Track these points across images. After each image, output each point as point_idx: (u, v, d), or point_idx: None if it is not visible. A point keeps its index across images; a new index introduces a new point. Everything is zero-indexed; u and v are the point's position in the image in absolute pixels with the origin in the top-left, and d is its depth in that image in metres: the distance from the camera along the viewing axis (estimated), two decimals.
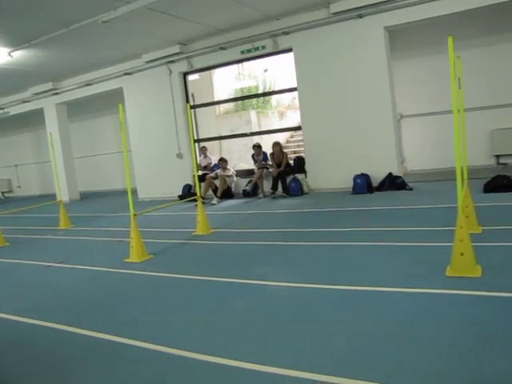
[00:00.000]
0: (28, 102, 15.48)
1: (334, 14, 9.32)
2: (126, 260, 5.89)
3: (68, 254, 6.83)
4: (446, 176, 9.23)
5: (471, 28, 10.06)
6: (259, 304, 3.87)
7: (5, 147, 20.88)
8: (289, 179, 10.49)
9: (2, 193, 20.64)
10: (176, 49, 11.33)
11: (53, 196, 9.71)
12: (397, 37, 10.08)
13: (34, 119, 17.49)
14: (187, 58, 11.62)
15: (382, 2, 8.84)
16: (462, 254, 3.88)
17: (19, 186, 20.97)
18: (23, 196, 20.26)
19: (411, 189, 9.13)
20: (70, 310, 4.29)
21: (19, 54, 10.33)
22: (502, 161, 10.73)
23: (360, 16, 9.30)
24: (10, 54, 10.09)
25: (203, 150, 11.91)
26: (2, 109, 16.38)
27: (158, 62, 11.97)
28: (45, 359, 3.26)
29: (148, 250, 6.07)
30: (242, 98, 14.80)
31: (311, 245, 5.71)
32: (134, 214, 5.99)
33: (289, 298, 3.94)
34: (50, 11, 7.99)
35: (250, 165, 11.70)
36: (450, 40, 3.90)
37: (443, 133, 10.22)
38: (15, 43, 9.59)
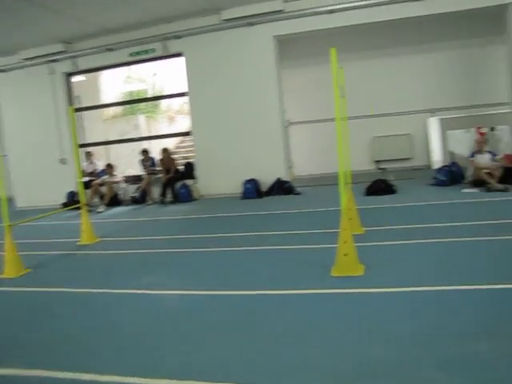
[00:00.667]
0: None
1: (224, 20, 9.41)
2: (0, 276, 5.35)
3: None
4: (332, 181, 9.59)
5: (354, 41, 10.74)
6: (146, 314, 3.70)
7: None
8: (178, 185, 10.33)
9: None
10: (59, 47, 10.68)
11: None
12: (286, 46, 10.44)
13: None
14: (72, 57, 10.99)
15: (271, 12, 9.13)
16: (345, 255, 4.06)
17: None
18: None
19: (299, 193, 9.46)
20: None
21: None
22: (381, 166, 11.56)
23: (250, 24, 9.49)
24: None
25: (89, 156, 11.30)
26: None
27: (38, 61, 11.17)
28: None
29: (26, 264, 5.54)
30: (131, 102, 14.37)
31: (201, 251, 5.63)
32: (9, 225, 5.47)
33: (177, 306, 3.83)
34: None
35: (138, 171, 11.34)
36: (332, 51, 4.07)
37: (329, 139, 10.63)
38: None
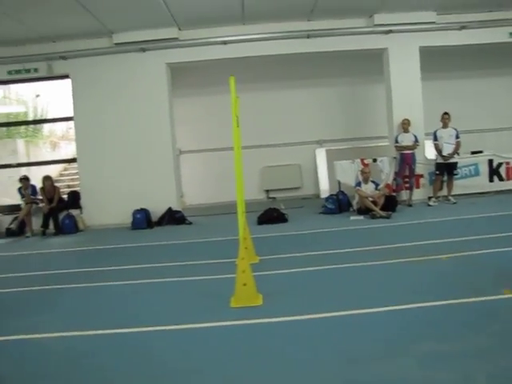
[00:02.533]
0: None
1: (116, 44, 9.11)
2: None
3: None
4: (223, 210, 9.67)
5: (249, 73, 10.97)
6: (30, 362, 3.25)
7: None
8: (62, 215, 9.61)
9: None
10: None
11: None
12: (179, 74, 10.37)
13: None
14: None
15: (164, 39, 9.02)
16: (244, 285, 3.97)
17: None
18: None
19: (190, 223, 9.28)
20: None
21: None
22: (271, 195, 11.81)
23: (143, 50, 9.30)
24: None
25: None
26: None
27: None
28: None
29: None
30: (7, 125, 13.24)
31: (88, 286, 5.17)
32: None
33: (63, 351, 3.41)
34: None
35: (15, 200, 10.36)
36: (231, 80, 4.05)
37: (220, 168, 10.77)
38: None
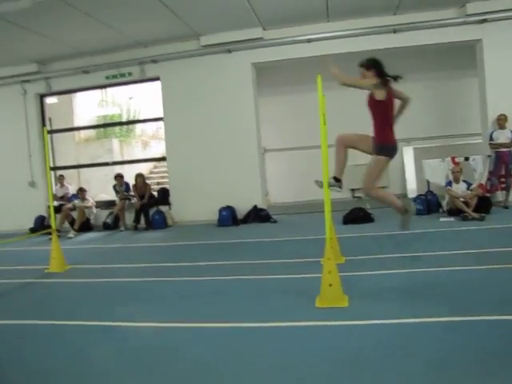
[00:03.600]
0: None
1: (203, 46, 9.38)
2: None
3: None
4: (308, 209, 9.64)
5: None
6: (117, 349, 3.45)
7: None
8: (152, 211, 10.08)
9: None
10: (33, 67, 10.41)
11: None
12: (264, 73, 10.47)
13: None
14: (45, 78, 10.75)
15: (249, 40, 9.14)
16: (330, 285, 3.93)
17: None
18: None
19: (275, 221, 9.34)
20: None
21: None
22: (356, 194, 11.58)
23: (229, 51, 9.50)
24: None
25: (60, 179, 10.96)
26: None
27: (10, 80, 10.85)
28: None
29: None
30: (104, 126, 14.13)
31: (178, 280, 5.40)
32: None
33: (151, 340, 3.59)
34: None
35: (111, 196, 11.05)
36: (318, 78, 4.03)
37: (304, 167, 10.72)
38: None
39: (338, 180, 5.18)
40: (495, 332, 3.15)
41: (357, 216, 8.33)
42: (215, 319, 3.88)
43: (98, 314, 4.33)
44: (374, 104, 4.75)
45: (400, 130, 11.01)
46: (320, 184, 3.45)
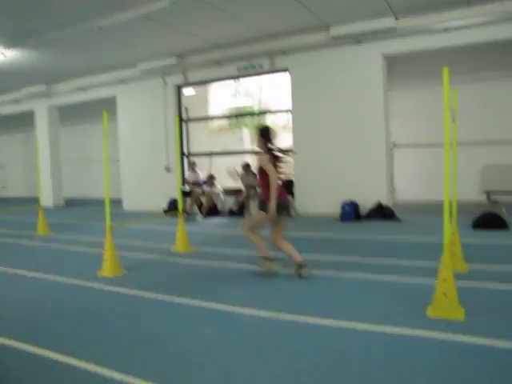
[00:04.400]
0: (19, 102, 15.26)
1: (333, 37, 9.22)
2: (98, 273, 5.62)
3: (39, 263, 6.56)
4: (435, 209, 9.05)
5: (468, 63, 10.06)
6: (226, 332, 3.62)
7: None
8: None
9: None
10: (172, 60, 11.16)
11: (38, 199, 9.56)
12: (395, 65, 10.01)
13: (25, 120, 17.27)
14: (183, 70, 11.50)
15: (381, 30, 8.75)
16: (444, 295, 3.68)
17: (4, 187, 20.62)
18: (8, 197, 19.90)
19: (400, 220, 8.95)
20: (28, 323, 4.04)
21: (13, 54, 10.16)
22: (492, 197, 10.63)
23: (359, 41, 9.24)
24: (3, 53, 9.92)
25: (192, 166, 11.68)
26: None
27: (153, 73, 11.80)
28: None
29: (122, 264, 5.81)
30: (237, 116, 14.63)
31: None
32: (110, 226, 5.75)
33: (262, 329, 3.69)
34: (47, 12, 7.86)
35: (238, 184, 11.49)
36: (445, 71, 3.75)
37: (436, 165, 10.07)
38: (9, 42, 9.42)
39: (267, 259, 5.41)
40: None
41: (489, 221, 7.64)
42: (309, 313, 3.91)
43: (211, 295, 4.60)
44: (260, 170, 5.24)
45: None
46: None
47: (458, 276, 4.00)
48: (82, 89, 13.42)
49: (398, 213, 9.20)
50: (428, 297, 3.83)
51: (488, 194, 10.70)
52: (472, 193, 10.55)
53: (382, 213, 9.19)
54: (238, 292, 4.73)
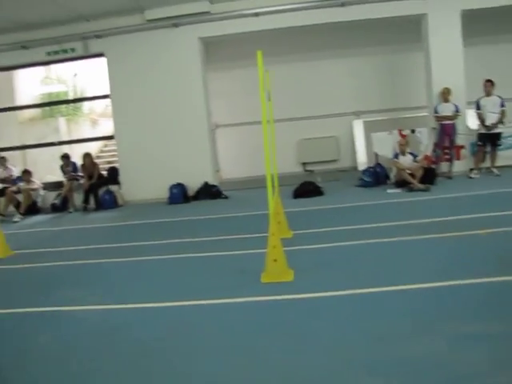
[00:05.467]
0: None
1: (148, 20, 9.10)
2: None
3: None
4: (259, 184, 9.54)
5: (282, 45, 10.80)
6: (67, 333, 3.39)
7: None
8: (102, 191, 9.87)
9: None
10: None
11: None
12: (213, 48, 10.32)
13: None
14: None
15: (196, 14, 8.93)
16: (275, 260, 3.97)
17: None
18: None
19: (226, 197, 9.35)
20: None
21: None
22: (308, 168, 11.71)
23: (175, 25, 9.25)
24: None
25: (2, 161, 10.50)
26: None
27: None
28: None
29: None
30: (50, 104, 13.57)
31: (126, 261, 5.32)
32: None
33: (100, 323, 3.54)
34: None
35: (58, 177, 10.72)
36: (259, 54, 3.99)
37: (256, 142, 10.60)
38: None
39: None
40: (432, 299, 3.29)
41: (307, 190, 8.42)
42: (162, 299, 3.88)
43: (37, 299, 4.21)
44: None
45: (350, 103, 11.40)
46: None
47: (285, 242, 4.34)
48: None
49: (224, 190, 9.57)
50: (261, 265, 4.09)
51: (304, 165, 11.75)
52: (291, 165, 11.50)
53: (209, 192, 9.48)
54: (72, 291, 4.43)
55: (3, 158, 10.50)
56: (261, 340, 2.94)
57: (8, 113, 12.07)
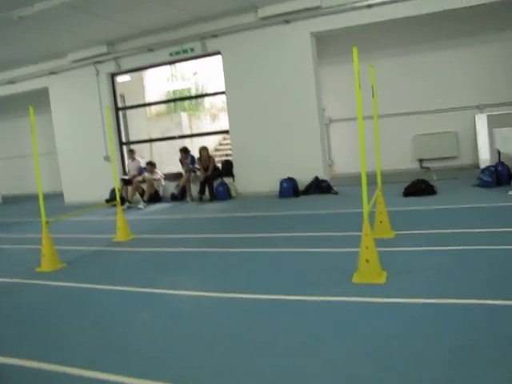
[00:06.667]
0: None
1: (261, 18, 9.34)
2: (37, 269, 5.57)
3: None
4: (372, 179, 9.43)
5: (396, 36, 10.41)
6: (165, 316, 3.73)
7: None
8: (216, 183, 10.40)
9: None
10: (103, 49, 10.98)
11: None
12: (326, 43, 10.25)
13: None
14: (115, 58, 11.28)
15: (308, 9, 8.96)
16: (367, 261, 3.94)
17: None
18: None
19: (336, 193, 9.28)
20: None
21: None
22: (424, 165, 11.17)
23: (287, 21, 9.37)
24: None
25: (130, 154, 11.55)
26: None
27: (84, 62, 11.53)
28: None
29: (62, 259, 5.78)
30: (172, 101, 14.55)
31: (230, 251, 5.60)
32: (47, 222, 5.69)
33: (194, 308, 3.83)
34: None
35: (178, 168, 11.51)
36: (354, 50, 3.96)
37: (369, 137, 10.43)
38: None
39: None
40: None
41: (418, 188, 8.07)
42: (253, 290, 4.05)
43: (148, 281, 4.68)
44: None
45: (472, 96, 10.62)
46: None
47: (385, 242, 4.26)
48: (11, 81, 12.90)
49: (335, 186, 9.53)
50: (355, 265, 4.07)
51: (420, 161, 11.23)
52: (407, 161, 11.07)
53: (319, 187, 9.47)
54: (178, 275, 4.84)
55: (132, 150, 11.53)
56: (341, 340, 2.95)
57: (138, 109, 13.22)
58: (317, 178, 9.60)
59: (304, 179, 9.68)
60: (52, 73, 12.20)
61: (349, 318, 3.30)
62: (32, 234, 8.18)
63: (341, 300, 3.62)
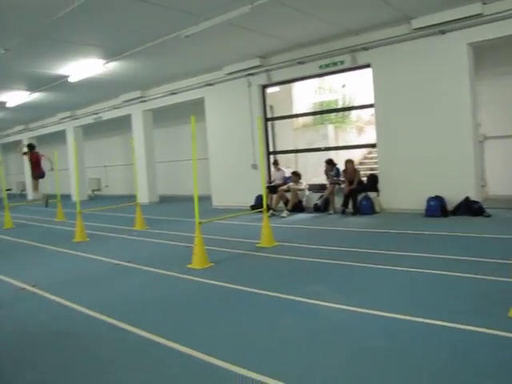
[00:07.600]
0: (118, 108, 16.54)
1: (415, 29, 9.03)
2: (188, 266, 6.09)
3: (136, 255, 7.20)
4: None
5: None
6: (305, 324, 3.83)
7: (97, 149, 22.68)
8: (360, 197, 10.29)
9: (92, 190, 22.01)
10: (256, 62, 11.59)
11: (135, 197, 10.41)
12: (483, 54, 9.56)
13: (123, 124, 18.56)
14: (266, 71, 11.82)
15: (466, 18, 8.41)
16: None
17: (107, 186, 22.50)
18: (109, 195, 21.64)
19: (489, 215, 8.59)
20: (127, 308, 4.58)
21: (112, 65, 11.19)
22: None
23: (442, 32, 8.93)
24: (104, 65, 10.92)
25: (275, 163, 12.00)
26: (97, 114, 17.66)
27: (238, 74, 12.28)
28: (89, 351, 3.55)
29: (210, 258, 6.24)
30: (320, 113, 14.74)
31: (374, 267, 5.52)
32: (200, 222, 6.17)
33: (338, 322, 3.86)
34: (140, 26, 8.55)
35: (322, 180, 11.63)
36: None
37: None
38: (109, 55, 10.42)
39: None
40: None
41: None
42: (395, 310, 3.94)
43: (290, 288, 4.84)
44: None
45: None
46: None
47: None
48: (173, 92, 14.24)
49: (488, 208, 8.82)
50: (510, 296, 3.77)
51: None
52: None
53: (469, 208, 8.83)
54: (318, 286, 4.91)
55: (276, 161, 11.96)
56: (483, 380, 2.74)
57: (286, 120, 13.67)
58: (467, 199, 8.96)
59: (452, 199, 9.12)
60: (208, 84, 13.19)
61: (495, 355, 3.03)
62: (185, 232, 8.93)
63: (496, 334, 3.34)
